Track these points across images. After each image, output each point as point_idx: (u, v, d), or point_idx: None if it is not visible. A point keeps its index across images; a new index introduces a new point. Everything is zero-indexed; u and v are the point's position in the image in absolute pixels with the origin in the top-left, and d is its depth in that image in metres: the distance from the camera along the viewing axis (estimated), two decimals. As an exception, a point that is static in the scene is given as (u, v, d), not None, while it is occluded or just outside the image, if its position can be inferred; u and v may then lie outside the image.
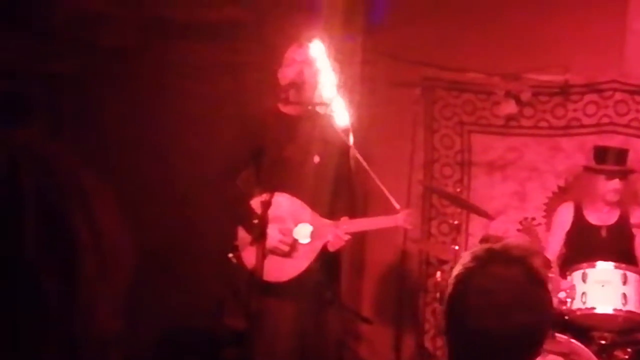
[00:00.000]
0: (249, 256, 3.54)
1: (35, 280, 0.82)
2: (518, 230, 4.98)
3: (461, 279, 1.65)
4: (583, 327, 4.05)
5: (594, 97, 4.95)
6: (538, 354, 1.65)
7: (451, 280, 1.68)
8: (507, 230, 4.91)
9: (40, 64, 4.15)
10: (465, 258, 1.67)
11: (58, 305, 0.82)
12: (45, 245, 0.82)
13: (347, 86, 3.92)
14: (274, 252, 3.64)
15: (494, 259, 1.64)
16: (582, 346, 3.90)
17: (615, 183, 4.40)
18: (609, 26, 4.85)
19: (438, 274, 4.56)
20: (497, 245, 1.67)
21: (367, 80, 4.81)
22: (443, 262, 4.76)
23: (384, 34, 4.96)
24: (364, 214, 4.14)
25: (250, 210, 3.57)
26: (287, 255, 3.69)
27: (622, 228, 4.45)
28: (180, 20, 4.72)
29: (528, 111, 5.02)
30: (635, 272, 4.08)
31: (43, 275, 0.82)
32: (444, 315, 1.69)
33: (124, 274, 0.92)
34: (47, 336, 0.82)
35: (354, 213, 3.84)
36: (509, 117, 5.01)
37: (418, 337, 5.00)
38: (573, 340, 3.88)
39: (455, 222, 4.61)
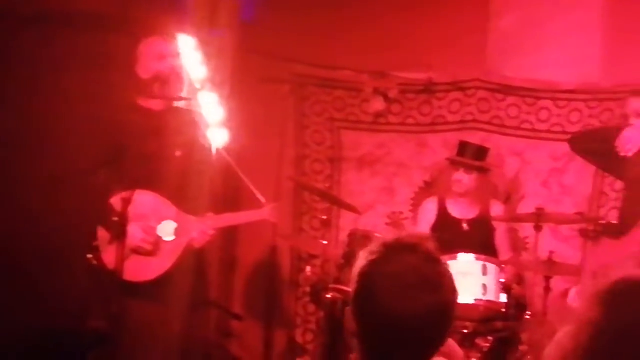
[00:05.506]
0: (110, 256, 3.43)
1: None
2: (386, 224, 5.09)
3: (365, 272, 1.66)
4: (446, 317, 4.17)
5: (458, 94, 5.11)
6: (448, 335, 1.67)
7: (354, 278, 1.67)
8: (376, 225, 5.01)
9: None
10: (364, 254, 1.68)
11: None
12: None
13: (216, 82, 3.87)
14: (137, 251, 3.56)
15: (392, 249, 1.67)
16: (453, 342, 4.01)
17: (461, 174, 4.57)
18: (471, 25, 5.01)
19: (308, 268, 4.59)
20: (389, 238, 1.69)
21: (236, 76, 4.77)
22: (313, 256, 4.80)
23: (254, 30, 4.94)
24: (235, 210, 4.11)
25: (110, 208, 3.45)
26: (151, 254, 3.61)
27: (482, 221, 4.63)
28: (41, 10, 4.52)
29: (396, 108, 5.13)
30: (494, 263, 4.24)
31: None
32: (353, 313, 1.66)
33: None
34: None
35: (219, 208, 3.80)
36: (378, 114, 5.11)
37: (289, 332, 5.02)
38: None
39: (324, 218, 4.64)
